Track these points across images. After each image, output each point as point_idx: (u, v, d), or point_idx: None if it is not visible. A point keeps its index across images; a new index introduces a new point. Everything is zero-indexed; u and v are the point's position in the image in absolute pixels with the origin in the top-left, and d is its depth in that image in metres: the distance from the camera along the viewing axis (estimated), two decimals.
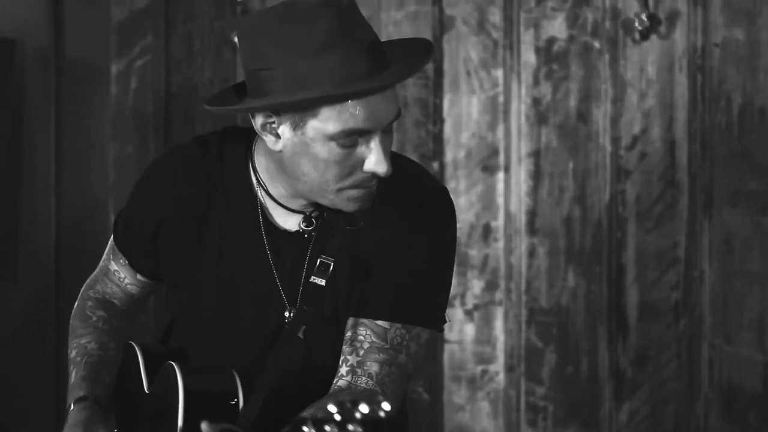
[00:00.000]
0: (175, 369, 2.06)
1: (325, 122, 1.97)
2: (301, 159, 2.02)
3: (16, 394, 3.76)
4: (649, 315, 3.30)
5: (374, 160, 1.99)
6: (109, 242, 2.35)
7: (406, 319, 2.09)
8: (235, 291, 2.16)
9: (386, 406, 1.50)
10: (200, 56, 3.59)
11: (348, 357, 2.07)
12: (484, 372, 3.52)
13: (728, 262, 3.18)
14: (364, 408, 1.49)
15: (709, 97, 3.20)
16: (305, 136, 1.99)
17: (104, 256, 2.36)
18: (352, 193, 2.03)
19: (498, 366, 3.51)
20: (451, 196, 2.20)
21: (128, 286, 2.34)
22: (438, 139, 3.53)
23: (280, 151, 2.03)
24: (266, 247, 2.14)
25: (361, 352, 2.07)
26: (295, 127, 2.00)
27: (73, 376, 2.25)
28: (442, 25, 3.52)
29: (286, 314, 2.13)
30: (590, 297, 3.37)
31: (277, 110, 2.00)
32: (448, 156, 3.52)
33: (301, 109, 1.97)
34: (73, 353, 2.30)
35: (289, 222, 2.14)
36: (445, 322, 2.20)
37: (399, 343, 2.08)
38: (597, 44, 3.34)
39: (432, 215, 2.14)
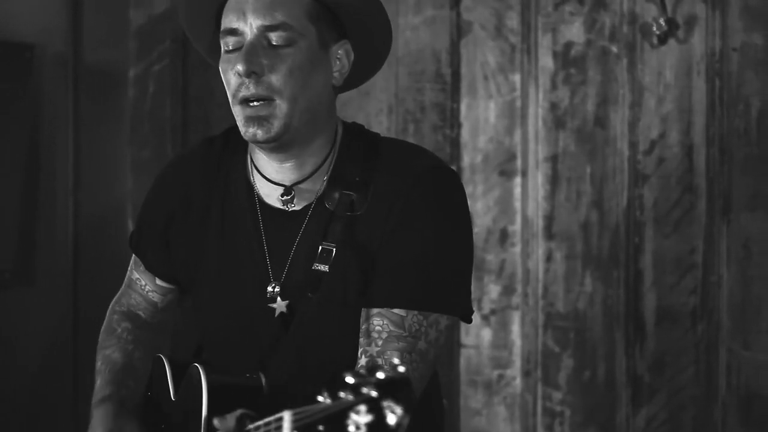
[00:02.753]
0: (198, 369, 2.08)
1: (220, 35, 2.11)
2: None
3: (35, 397, 3.77)
4: (667, 320, 3.29)
5: (235, 58, 2.06)
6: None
7: (422, 306, 2.08)
8: (237, 273, 2.19)
9: (401, 368, 1.47)
10: None
11: (367, 348, 2.07)
12: (501, 377, 3.51)
13: (746, 267, 3.17)
14: (380, 374, 1.46)
15: (727, 102, 3.19)
16: (220, 57, 2.12)
17: (129, 268, 2.40)
18: (241, 110, 2.08)
19: (515, 371, 3.50)
20: (461, 183, 2.20)
21: (150, 294, 2.37)
22: (455, 144, 3.53)
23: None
24: (260, 227, 2.16)
25: (380, 342, 2.06)
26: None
27: (98, 383, 2.28)
28: (460, 29, 3.52)
29: (269, 288, 2.14)
30: (607, 302, 3.36)
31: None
32: (466, 160, 3.52)
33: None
34: (98, 364, 2.35)
35: (273, 196, 2.17)
36: (469, 309, 2.17)
37: (417, 330, 2.07)
38: (615, 49, 3.33)
39: (437, 196, 2.12)
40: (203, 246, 2.22)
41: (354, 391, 1.44)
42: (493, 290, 3.50)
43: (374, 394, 1.43)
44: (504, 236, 3.49)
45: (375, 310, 2.08)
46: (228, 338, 2.21)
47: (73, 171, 3.78)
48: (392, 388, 1.44)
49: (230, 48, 2.09)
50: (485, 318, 3.51)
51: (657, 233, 3.30)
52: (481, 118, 3.50)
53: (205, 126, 3.64)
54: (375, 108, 3.59)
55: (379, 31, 2.21)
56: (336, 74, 2.16)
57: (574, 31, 3.38)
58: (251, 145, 2.19)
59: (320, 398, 1.46)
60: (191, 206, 2.24)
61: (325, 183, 2.15)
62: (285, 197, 2.16)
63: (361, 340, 2.08)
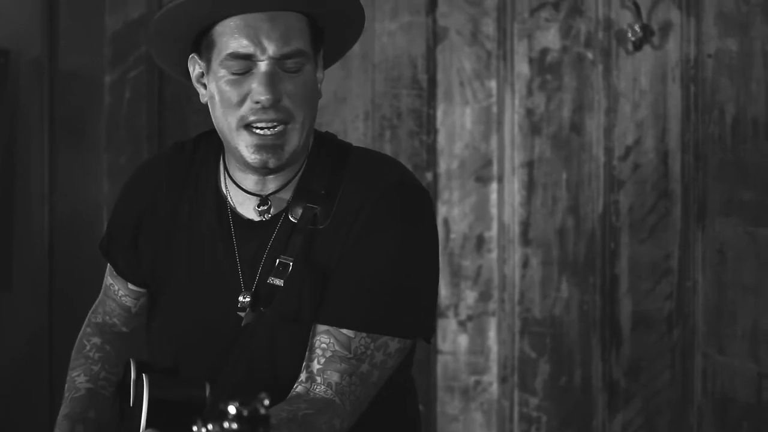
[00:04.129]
0: (143, 380, 2.08)
1: (219, 55, 2.04)
2: (215, 102, 2.08)
3: (10, 405, 3.75)
4: (643, 325, 3.30)
5: (255, 86, 2.03)
6: None
7: (371, 328, 2.05)
8: (207, 281, 2.17)
9: (266, 402, 1.49)
10: None
11: (309, 363, 2.05)
12: (478, 383, 3.52)
13: (721, 272, 3.18)
14: (245, 411, 1.48)
15: (702, 108, 3.20)
16: (214, 75, 2.07)
17: (105, 275, 2.41)
18: (249, 137, 2.04)
19: (491, 377, 3.51)
20: (429, 196, 2.16)
21: (123, 299, 2.36)
22: (431, 150, 3.53)
23: (209, 105, 2.10)
24: (232, 236, 2.15)
25: (323, 360, 2.04)
26: (209, 69, 2.08)
27: (60, 412, 2.27)
28: (436, 35, 3.52)
29: (241, 298, 2.12)
30: (583, 307, 3.37)
31: (200, 53, 2.08)
32: (442, 166, 3.52)
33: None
34: (66, 387, 2.33)
35: (248, 206, 2.15)
36: (428, 329, 2.13)
37: (363, 353, 2.04)
38: (590, 55, 3.34)
39: (400, 213, 2.09)
40: (171, 250, 2.21)
41: (220, 424, 1.46)
42: (470, 296, 3.51)
43: (234, 427, 1.45)
44: (480, 242, 3.50)
45: (323, 327, 2.05)
46: (193, 344, 2.20)
47: (49, 177, 3.77)
48: (252, 426, 1.46)
49: (236, 71, 2.05)
50: (462, 324, 3.51)
51: (632, 239, 3.31)
52: (457, 124, 3.51)
53: (181, 132, 3.63)
54: (351, 114, 3.59)
55: (354, 36, 2.21)
56: (318, 86, 2.15)
57: (550, 38, 3.40)
58: (226, 154, 2.18)
59: (194, 427, 1.49)
60: (159, 211, 2.22)
61: (293, 192, 2.14)
62: (261, 208, 2.14)
63: (306, 353, 2.06)
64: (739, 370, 3.15)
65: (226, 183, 2.18)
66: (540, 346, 3.43)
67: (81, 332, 2.40)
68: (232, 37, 2.04)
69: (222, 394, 2.06)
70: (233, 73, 2.05)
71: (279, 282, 2.07)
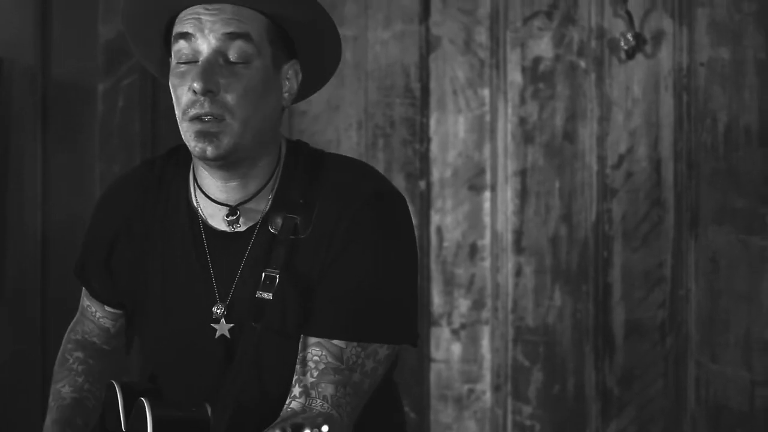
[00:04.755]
0: (144, 403, 2.06)
1: (172, 45, 2.07)
2: (172, 98, 2.09)
3: (3, 411, 3.74)
4: (636, 334, 3.30)
5: (192, 74, 2.03)
6: None
7: (361, 337, 2.05)
8: (181, 295, 2.16)
9: (325, 428, 1.49)
10: None
11: (302, 377, 2.04)
12: (471, 391, 3.51)
13: (714, 280, 3.18)
14: None
15: (694, 116, 3.21)
16: (171, 71, 2.09)
17: (81, 295, 2.39)
18: (191, 126, 2.04)
19: (485, 385, 3.50)
20: (406, 202, 2.17)
21: (101, 320, 2.35)
22: (425, 158, 3.53)
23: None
24: (205, 250, 2.14)
25: (316, 373, 2.03)
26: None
27: (46, 421, 2.27)
28: (429, 44, 3.53)
29: (215, 309, 2.11)
30: (577, 316, 3.37)
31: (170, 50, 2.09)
32: (435, 175, 3.53)
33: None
34: (50, 399, 2.32)
35: (218, 217, 2.14)
36: (413, 335, 2.14)
37: (354, 362, 2.05)
38: (583, 64, 3.35)
39: (382, 221, 2.09)
40: (146, 270, 2.18)
41: None
42: (463, 305, 3.50)
43: None
44: (473, 251, 3.50)
45: (314, 340, 2.05)
46: (172, 360, 2.19)
47: (42, 185, 3.76)
48: None
49: (182, 59, 2.05)
50: (455, 332, 3.51)
51: (625, 247, 3.31)
52: (450, 133, 3.51)
53: (174, 141, 3.61)
54: (344, 123, 3.60)
55: (330, 49, 2.19)
56: (285, 95, 2.13)
57: (543, 46, 3.40)
58: (195, 165, 2.16)
59: None
60: (132, 230, 2.20)
61: (269, 203, 2.12)
62: (230, 218, 2.13)
63: (297, 367, 2.05)
64: (732, 378, 3.15)
65: (196, 195, 2.17)
66: (533, 355, 3.43)
67: (62, 348, 2.39)
68: (180, 20, 2.06)
69: (222, 413, 2.05)
70: (179, 63, 2.06)
71: (268, 296, 2.05)
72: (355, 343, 2.04)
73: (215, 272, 2.13)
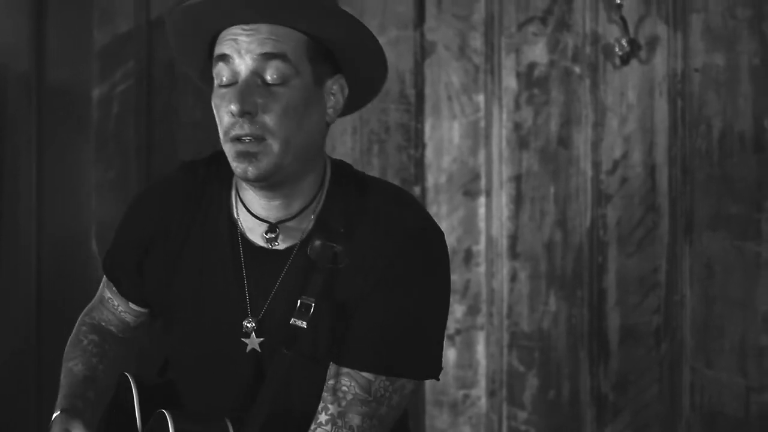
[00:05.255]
0: (167, 416, 2.05)
1: (213, 68, 2.07)
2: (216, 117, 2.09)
3: None
4: (631, 339, 3.30)
5: (228, 96, 2.03)
6: None
7: (391, 371, 2.05)
8: (214, 305, 2.16)
9: None
10: (182, 81, 3.59)
11: (329, 406, 2.05)
12: (466, 396, 3.52)
13: (709, 286, 3.19)
14: None
15: (689, 122, 3.21)
16: (213, 92, 2.09)
17: (101, 285, 2.38)
18: (231, 147, 2.04)
19: (480, 390, 3.51)
20: (445, 238, 2.15)
21: (122, 314, 2.35)
22: (419, 164, 3.53)
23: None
24: (242, 263, 2.14)
25: (344, 403, 2.04)
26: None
27: (58, 397, 2.25)
28: (424, 50, 3.53)
29: (245, 323, 2.12)
30: (571, 321, 3.38)
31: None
32: (430, 180, 3.53)
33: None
34: (61, 377, 2.31)
35: (257, 232, 2.14)
36: (439, 370, 2.14)
37: (382, 395, 2.05)
38: (577, 69, 3.35)
39: (423, 258, 2.08)
40: (179, 275, 2.18)
41: None
42: (458, 310, 3.51)
43: None
44: (468, 256, 3.50)
45: (345, 370, 2.05)
46: (197, 366, 2.19)
47: (37, 191, 3.76)
48: None
49: (223, 82, 2.04)
50: (450, 338, 3.51)
51: (620, 252, 3.31)
52: (445, 139, 3.51)
53: (170, 147, 3.63)
54: (339, 128, 3.60)
55: (374, 62, 2.16)
56: (330, 110, 2.11)
57: (537, 52, 3.40)
58: (238, 179, 2.16)
59: None
60: (169, 235, 2.19)
61: (311, 225, 2.12)
62: (269, 235, 2.12)
63: (325, 395, 2.06)
64: (727, 384, 3.16)
65: (237, 207, 2.16)
66: (528, 360, 3.43)
67: (75, 330, 2.38)
68: (219, 43, 2.06)
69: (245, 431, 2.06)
70: (220, 86, 2.06)
71: (302, 324, 2.05)
72: (383, 377, 2.05)
73: (249, 287, 2.12)
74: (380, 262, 2.06)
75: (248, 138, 2.02)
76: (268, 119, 2.02)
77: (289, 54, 2.03)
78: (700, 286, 3.20)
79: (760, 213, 3.12)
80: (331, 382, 2.06)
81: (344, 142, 3.58)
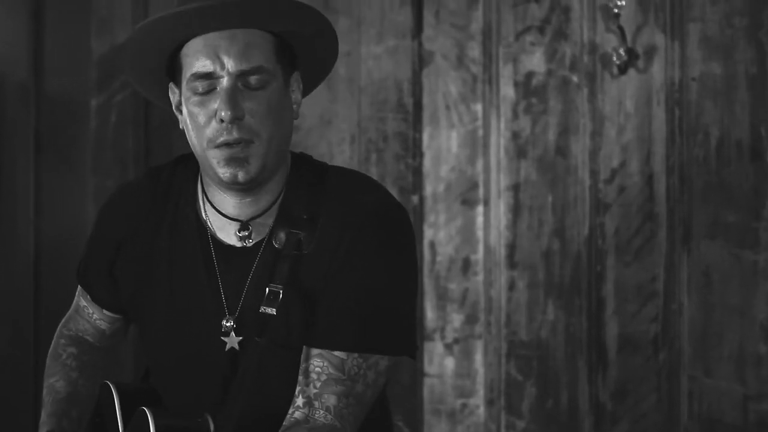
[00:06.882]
0: (147, 413, 2.07)
1: (185, 77, 2.08)
2: (188, 125, 2.11)
3: None
4: (629, 348, 3.30)
5: (217, 105, 2.05)
6: None
7: (362, 348, 2.07)
8: (186, 312, 2.17)
9: None
10: None
11: (304, 388, 2.06)
12: (464, 406, 3.51)
13: (707, 294, 3.19)
14: None
15: (686, 131, 3.21)
16: (184, 98, 2.09)
17: (77, 294, 2.39)
18: (219, 153, 2.06)
19: (478, 399, 3.50)
20: (409, 215, 2.19)
21: (97, 322, 2.36)
22: (417, 173, 3.54)
23: (185, 130, 2.13)
24: (215, 264, 2.16)
25: (318, 384, 2.06)
26: (181, 94, 2.10)
27: (42, 415, 2.28)
28: (422, 59, 3.53)
29: (224, 322, 2.13)
30: (570, 330, 3.37)
31: (175, 80, 2.11)
32: (428, 190, 3.53)
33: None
34: (44, 393, 2.33)
35: (228, 231, 2.16)
36: (412, 347, 2.16)
37: (356, 373, 2.07)
38: (575, 78, 3.36)
39: (386, 236, 2.12)
40: (151, 279, 2.20)
41: None
42: (456, 319, 3.51)
43: None
44: (466, 265, 3.50)
45: (316, 351, 2.08)
46: (176, 369, 2.20)
47: (35, 200, 3.76)
48: None
49: (200, 91, 2.07)
50: (448, 347, 3.51)
51: (618, 261, 3.31)
52: (443, 148, 3.52)
53: (167, 156, 3.62)
54: (337, 137, 3.60)
55: (330, 48, 2.22)
56: (294, 107, 2.17)
57: (535, 61, 3.41)
58: (204, 178, 2.18)
59: None
60: (138, 239, 2.22)
61: (275, 216, 2.15)
62: (243, 233, 2.15)
63: (300, 378, 2.08)
64: (725, 392, 3.15)
65: (205, 208, 2.19)
66: (526, 369, 3.43)
67: (54, 343, 2.40)
68: (194, 57, 2.07)
69: (225, 425, 2.06)
70: (198, 94, 2.08)
71: (271, 311, 2.08)
72: (356, 355, 2.07)
73: (224, 286, 2.15)
74: (343, 244, 2.09)
75: (237, 143, 2.05)
76: (254, 122, 2.07)
77: (267, 61, 2.08)
78: (698, 295, 3.20)
79: (758, 221, 3.12)
80: (304, 365, 2.08)
81: (342, 151, 3.58)
